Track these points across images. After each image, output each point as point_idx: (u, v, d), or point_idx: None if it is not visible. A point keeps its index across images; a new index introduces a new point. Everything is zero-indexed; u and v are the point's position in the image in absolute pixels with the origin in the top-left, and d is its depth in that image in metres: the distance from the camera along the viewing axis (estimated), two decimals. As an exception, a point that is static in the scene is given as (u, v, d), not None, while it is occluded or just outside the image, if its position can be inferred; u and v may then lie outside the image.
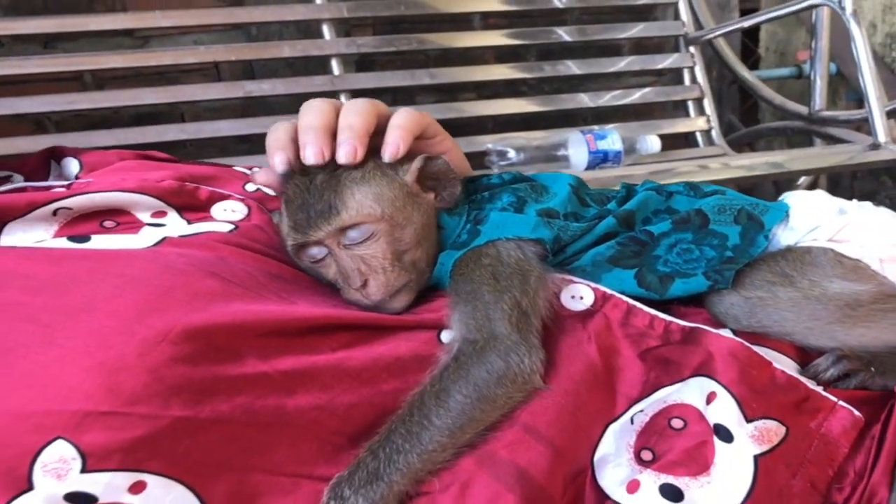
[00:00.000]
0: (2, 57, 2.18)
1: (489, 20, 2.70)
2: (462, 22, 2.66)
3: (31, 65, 2.15)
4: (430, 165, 1.07)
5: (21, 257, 0.89)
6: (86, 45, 2.29)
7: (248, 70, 2.46)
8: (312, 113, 1.07)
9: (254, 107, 2.43)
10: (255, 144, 2.35)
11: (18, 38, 2.23)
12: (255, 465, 0.82)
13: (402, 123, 1.07)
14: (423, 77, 2.47)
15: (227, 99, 2.34)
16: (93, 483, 0.74)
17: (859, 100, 2.52)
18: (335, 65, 2.38)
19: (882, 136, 2.38)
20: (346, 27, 2.50)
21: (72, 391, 0.76)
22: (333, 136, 1.04)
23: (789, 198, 1.15)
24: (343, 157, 1.01)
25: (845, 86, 3.20)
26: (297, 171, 1.04)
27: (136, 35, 2.38)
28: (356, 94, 2.38)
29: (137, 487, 0.76)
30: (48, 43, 2.30)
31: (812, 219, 1.10)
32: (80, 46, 2.29)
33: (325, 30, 2.39)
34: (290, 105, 2.38)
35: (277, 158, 1.04)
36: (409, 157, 1.07)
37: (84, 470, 0.74)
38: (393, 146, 1.04)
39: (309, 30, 2.44)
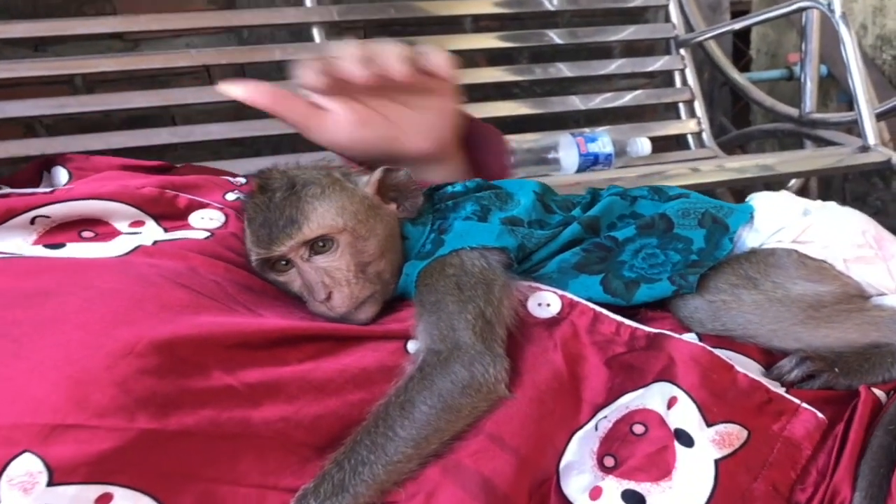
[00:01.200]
0: (-9, 61, 2.19)
1: (480, 23, 2.70)
2: (453, 24, 2.65)
3: (21, 68, 2.15)
4: (390, 177, 1.09)
5: None
6: (76, 49, 2.28)
7: (240, 73, 2.45)
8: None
9: (245, 110, 2.35)
10: (246, 147, 2.36)
11: (8, 41, 2.21)
12: (220, 476, 0.83)
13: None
14: (414, 80, 2.46)
15: (218, 102, 2.29)
16: (59, 496, 0.75)
17: (850, 102, 2.51)
18: (326, 68, 2.37)
19: (871, 139, 2.38)
20: (336, 30, 2.49)
21: (39, 404, 0.77)
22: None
23: (754, 199, 1.16)
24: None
25: (836, 88, 3.19)
26: (256, 190, 1.05)
27: (126, 38, 2.37)
28: (346, 96, 2.39)
29: (104, 500, 0.77)
30: (38, 46, 2.29)
31: (776, 220, 1.10)
32: (70, 50, 2.28)
33: (316, 33, 2.39)
34: (280, 108, 2.40)
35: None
36: (368, 170, 1.10)
37: (50, 483, 0.74)
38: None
39: (300, 33, 2.44)
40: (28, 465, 0.74)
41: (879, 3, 3.11)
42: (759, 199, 1.15)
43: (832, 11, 2.40)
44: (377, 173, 1.08)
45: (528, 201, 1.11)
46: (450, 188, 1.16)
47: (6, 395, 0.77)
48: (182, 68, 2.33)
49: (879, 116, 2.45)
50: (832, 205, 1.15)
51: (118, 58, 2.29)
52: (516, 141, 2.41)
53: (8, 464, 0.74)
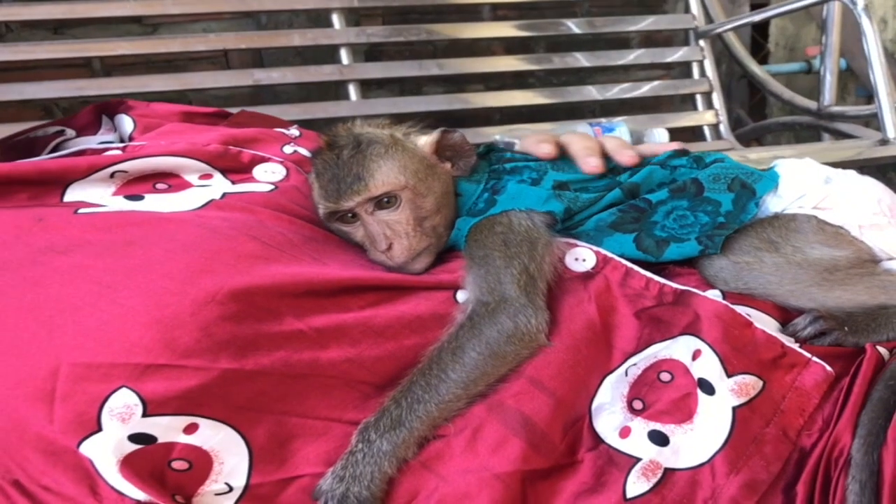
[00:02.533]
0: (11, 42, 2.32)
1: (498, 11, 2.81)
2: (471, 13, 2.77)
3: (40, 50, 2.28)
4: (447, 138, 1.22)
5: (84, 226, 1.05)
6: (95, 32, 2.41)
7: (257, 58, 2.57)
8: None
9: (262, 95, 2.54)
10: (262, 133, 2.47)
11: (28, 23, 2.34)
12: (292, 410, 0.98)
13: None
14: (431, 67, 2.60)
15: (235, 87, 2.47)
16: (153, 425, 0.91)
17: (868, 96, 2.61)
18: (344, 54, 2.50)
19: (891, 132, 2.49)
20: (355, 17, 2.61)
21: (134, 345, 0.91)
22: None
23: (779, 166, 1.28)
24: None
25: (854, 81, 3.29)
26: (324, 147, 1.19)
27: (145, 22, 2.49)
28: (364, 83, 2.52)
29: (191, 429, 0.92)
30: (57, 29, 2.41)
31: (799, 187, 1.22)
32: (89, 33, 2.40)
33: (335, 19, 2.51)
34: (298, 94, 2.54)
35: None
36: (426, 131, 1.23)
37: (145, 414, 0.90)
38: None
39: (319, 19, 2.56)
40: (126, 399, 0.90)
41: (900, -2, 3.22)
42: (783, 166, 1.27)
43: (854, 3, 2.51)
44: (435, 134, 1.22)
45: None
46: (509, 153, 1.30)
47: (104, 337, 0.92)
48: (200, 52, 2.46)
49: (899, 111, 2.53)
50: (852, 173, 1.27)
51: (136, 41, 2.42)
52: (532, 130, 2.54)
53: (108, 397, 0.89)
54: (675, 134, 2.68)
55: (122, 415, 0.89)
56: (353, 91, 2.49)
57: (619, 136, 2.30)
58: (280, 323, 0.99)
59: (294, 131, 1.38)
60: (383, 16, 2.68)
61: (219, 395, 0.93)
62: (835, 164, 2.44)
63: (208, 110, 1.42)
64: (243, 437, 0.95)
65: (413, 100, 2.61)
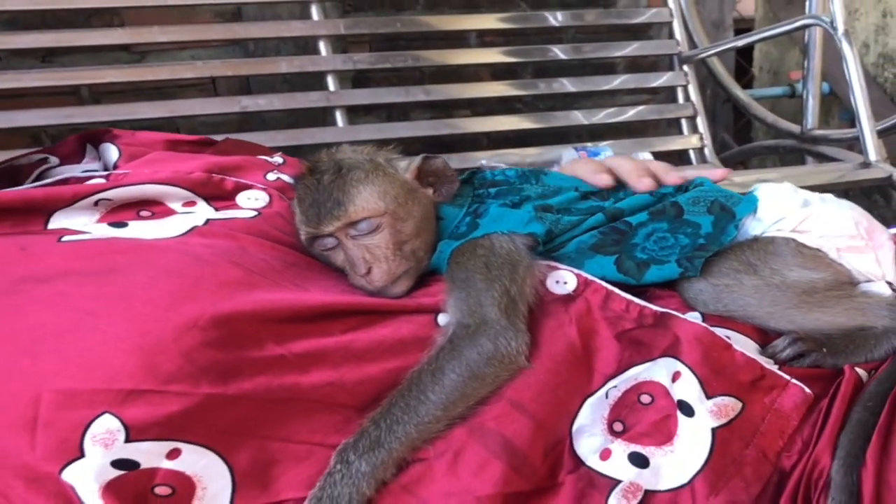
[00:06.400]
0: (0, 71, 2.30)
1: (485, 38, 2.83)
2: (458, 39, 2.79)
3: (28, 78, 2.28)
4: (427, 164, 1.24)
5: (67, 254, 1.05)
6: (83, 60, 2.41)
7: (245, 85, 2.59)
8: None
9: (250, 122, 2.56)
10: (250, 159, 2.47)
11: (16, 52, 2.34)
12: (274, 434, 0.98)
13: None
14: (418, 93, 2.61)
15: (223, 114, 2.47)
16: (135, 451, 0.90)
17: (851, 119, 2.62)
18: (331, 81, 2.52)
19: (873, 155, 2.51)
20: (342, 44, 2.63)
21: (116, 372, 0.91)
22: None
23: (758, 189, 1.29)
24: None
25: (838, 105, 3.33)
26: (306, 172, 1.20)
27: (133, 50, 2.50)
28: (351, 109, 2.54)
29: (174, 454, 0.92)
30: (46, 57, 2.41)
31: (778, 210, 1.24)
32: (77, 61, 2.40)
33: (322, 46, 2.53)
34: (285, 120, 2.55)
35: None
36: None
37: (128, 440, 0.90)
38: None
39: (306, 46, 2.57)
40: (108, 424, 0.89)
41: (882, 22, 3.25)
42: (762, 189, 1.29)
43: (835, 29, 2.53)
44: (417, 160, 1.24)
45: (568, 196, 1.27)
46: (490, 174, 1.32)
47: (88, 363, 0.92)
48: (188, 80, 2.47)
49: (880, 134, 2.57)
50: (830, 197, 1.29)
51: (125, 69, 2.42)
52: (519, 154, 2.57)
53: (91, 423, 0.89)
54: (661, 158, 2.60)
55: (105, 440, 0.89)
56: (339, 117, 2.51)
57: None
58: (261, 348, 0.99)
59: (277, 158, 1.39)
60: (370, 42, 2.70)
61: (201, 421, 0.93)
62: (818, 188, 2.50)
63: (193, 138, 1.43)
64: (226, 461, 0.95)
65: (400, 125, 2.61)
